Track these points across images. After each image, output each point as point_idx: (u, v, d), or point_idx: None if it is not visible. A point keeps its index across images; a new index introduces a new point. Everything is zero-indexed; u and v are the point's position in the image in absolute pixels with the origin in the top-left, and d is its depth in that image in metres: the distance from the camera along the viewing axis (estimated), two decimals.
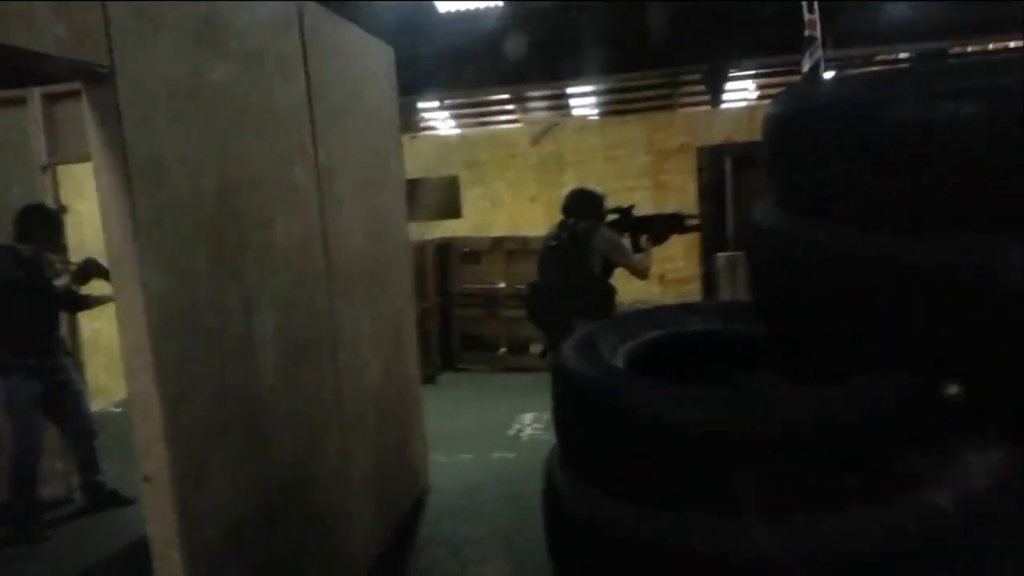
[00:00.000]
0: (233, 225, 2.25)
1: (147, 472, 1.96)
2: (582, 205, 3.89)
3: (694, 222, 4.30)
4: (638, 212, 4.02)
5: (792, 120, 1.24)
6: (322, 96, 2.92)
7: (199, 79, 2.12)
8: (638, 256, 3.83)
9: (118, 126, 1.84)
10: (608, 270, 3.78)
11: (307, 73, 2.84)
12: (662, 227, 3.98)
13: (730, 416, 1.10)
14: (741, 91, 14.58)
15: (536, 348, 6.60)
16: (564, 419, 1.42)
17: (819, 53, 5.74)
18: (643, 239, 3.89)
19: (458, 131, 14.32)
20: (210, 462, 2.10)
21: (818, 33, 5.70)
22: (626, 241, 3.85)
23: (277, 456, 2.45)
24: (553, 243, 3.82)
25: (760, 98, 16.08)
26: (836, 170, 1.15)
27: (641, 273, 3.84)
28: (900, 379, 1.14)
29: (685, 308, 1.94)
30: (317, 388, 2.78)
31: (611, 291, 3.77)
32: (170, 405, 1.93)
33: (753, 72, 13.39)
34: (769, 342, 1.45)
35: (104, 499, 4.01)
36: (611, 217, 3.90)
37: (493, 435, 4.87)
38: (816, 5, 5.66)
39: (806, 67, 5.78)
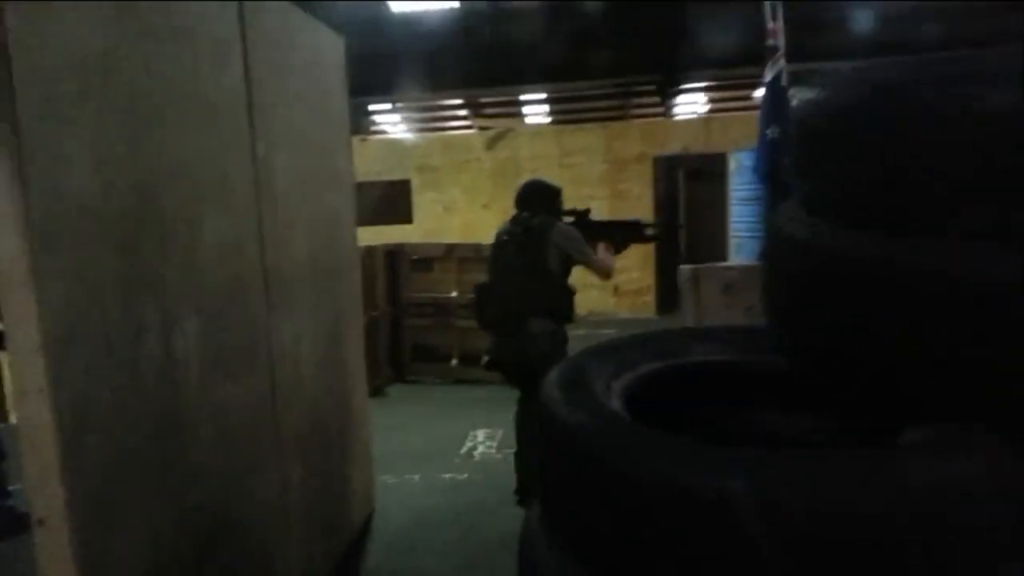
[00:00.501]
0: (153, 226, 1.96)
1: (40, 514, 1.66)
2: (538, 198, 3.58)
3: (653, 232, 4.10)
4: (594, 218, 3.78)
5: (858, 106, 1.03)
6: (262, 84, 2.64)
7: (116, 57, 1.83)
8: (599, 257, 3.56)
9: (11, 107, 1.54)
10: (567, 270, 3.50)
11: (245, 57, 2.55)
12: (622, 235, 3.76)
13: (793, 490, 0.86)
14: (691, 104, 14.63)
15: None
16: (552, 480, 1.13)
17: (782, 63, 5.63)
18: (600, 246, 3.62)
19: (409, 135, 14.02)
20: (120, 499, 1.80)
21: (781, 43, 5.59)
22: None
23: (203, 488, 2.16)
24: (505, 238, 3.52)
25: (712, 111, 16.20)
26: (930, 168, 0.93)
27: (604, 272, 3.60)
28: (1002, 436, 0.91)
29: (687, 333, 1.70)
30: (251, 409, 2.49)
31: (571, 291, 3.49)
32: (68, 433, 1.63)
33: (704, 85, 13.44)
34: (801, 377, 1.23)
35: (15, 525, 3.62)
36: (567, 220, 3.62)
37: (444, 453, 4.60)
38: (780, 14, 5.56)
39: (768, 78, 5.67)
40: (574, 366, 1.33)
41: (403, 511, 3.73)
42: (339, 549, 3.25)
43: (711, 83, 12.89)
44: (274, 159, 2.74)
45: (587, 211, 3.71)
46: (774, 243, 1.33)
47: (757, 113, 14.71)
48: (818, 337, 1.11)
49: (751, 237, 5.70)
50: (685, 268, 4.42)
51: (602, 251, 3.61)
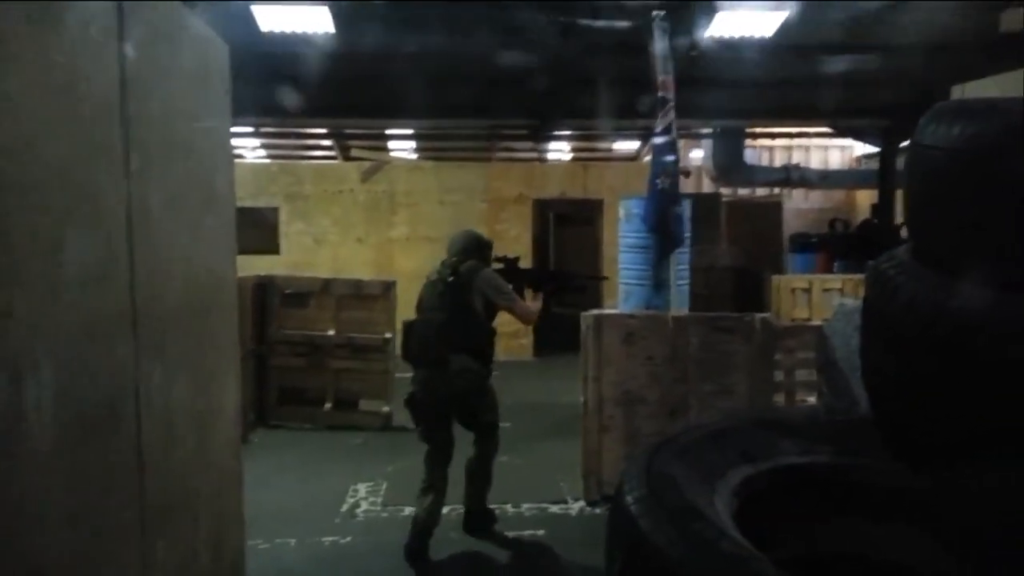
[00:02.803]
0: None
1: None
2: (468, 246, 3.83)
3: (579, 282, 4.50)
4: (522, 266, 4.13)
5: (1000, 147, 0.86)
6: (139, 88, 2.22)
7: None
8: (522, 302, 3.81)
9: None
10: (490, 314, 3.74)
11: (121, 57, 2.13)
12: (549, 282, 4.04)
13: None
14: (558, 151, 14.93)
15: (369, 403, 5.95)
16: None
17: (672, 115, 5.71)
18: (528, 292, 3.90)
19: (267, 160, 13.34)
20: None
21: (672, 96, 5.68)
22: None
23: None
24: (434, 278, 3.77)
25: (575, 159, 16.60)
26: None
27: (525, 318, 3.84)
28: None
29: (760, 423, 1.45)
30: (111, 475, 2.02)
31: (492, 331, 3.74)
32: None
33: (573, 132, 13.74)
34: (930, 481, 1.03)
35: None
36: (496, 266, 3.88)
37: (322, 512, 4.14)
38: (671, 67, 5.65)
39: (659, 129, 5.73)
40: (660, 473, 1.05)
41: None
42: None
43: (583, 131, 13.18)
44: (150, 175, 2.31)
45: (516, 259, 4.09)
46: (903, 313, 1.07)
47: (632, 163, 15.31)
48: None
49: (639, 285, 5.68)
50: (587, 315, 4.27)
51: (530, 298, 3.90)
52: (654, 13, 5.50)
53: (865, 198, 16.24)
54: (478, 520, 3.90)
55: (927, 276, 1.03)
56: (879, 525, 1.21)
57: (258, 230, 8.77)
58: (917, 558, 1.16)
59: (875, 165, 13.56)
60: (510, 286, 3.75)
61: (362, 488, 4.52)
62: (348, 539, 3.80)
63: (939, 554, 1.15)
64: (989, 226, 0.98)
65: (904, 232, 10.82)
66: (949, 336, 0.94)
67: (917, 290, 1.01)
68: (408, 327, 3.77)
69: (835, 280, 9.60)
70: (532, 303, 3.84)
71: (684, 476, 1.05)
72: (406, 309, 7.47)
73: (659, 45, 5.55)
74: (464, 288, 3.62)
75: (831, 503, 1.22)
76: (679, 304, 5.60)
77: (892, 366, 1.10)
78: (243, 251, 8.95)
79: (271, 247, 8.99)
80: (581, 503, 4.32)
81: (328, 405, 5.93)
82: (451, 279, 3.65)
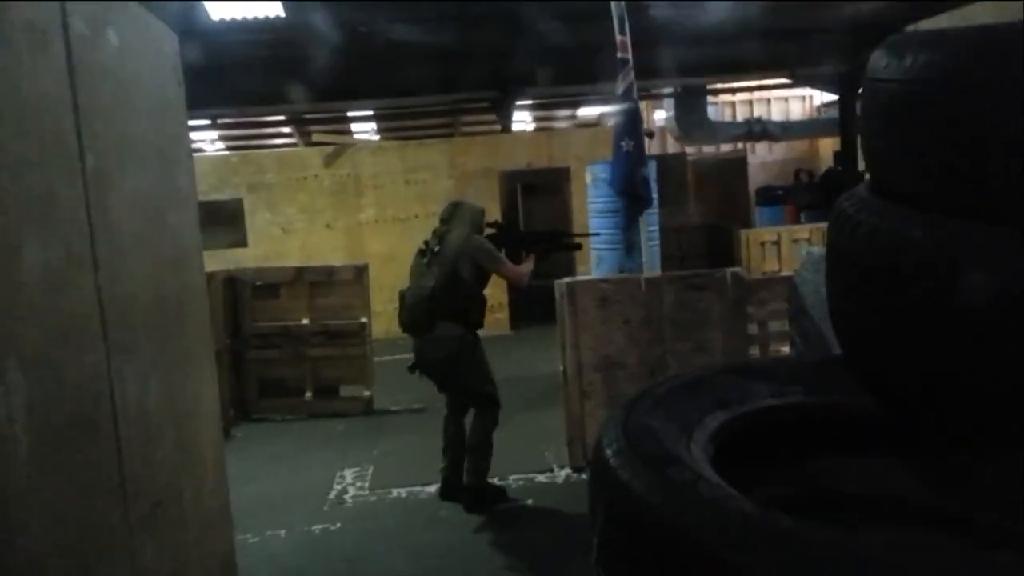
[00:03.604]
0: None
1: None
2: (457, 215, 3.89)
3: (573, 240, 4.46)
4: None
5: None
6: (90, 81, 2.16)
7: None
8: (511, 264, 3.88)
9: None
10: (482, 280, 3.83)
11: (68, 48, 2.07)
12: (542, 243, 4.07)
13: None
14: (521, 122, 14.85)
15: (349, 389, 5.93)
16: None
17: (631, 77, 5.69)
18: (523, 255, 3.96)
19: (226, 152, 13.12)
20: None
21: (630, 56, 5.65)
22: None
23: None
24: (423, 248, 3.87)
25: (538, 129, 16.53)
26: None
27: (516, 280, 3.93)
28: None
29: (733, 371, 1.46)
30: (91, 482, 2.00)
31: (480, 298, 3.81)
32: None
33: (535, 102, 13.65)
34: (899, 415, 1.04)
35: None
36: (489, 231, 3.94)
37: (310, 501, 4.14)
38: (627, 27, 5.61)
39: (620, 91, 5.70)
40: (641, 423, 1.06)
41: (271, 574, 3.26)
42: None
43: (545, 99, 13.10)
44: (107, 172, 2.26)
45: (507, 224, 4.51)
46: (862, 244, 1.08)
47: (596, 129, 15.27)
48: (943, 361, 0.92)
49: (611, 249, 5.69)
50: (561, 283, 4.28)
51: (527, 261, 3.95)
52: None
53: (828, 147, 16.39)
54: (476, 497, 3.86)
55: (887, 210, 1.04)
56: (858, 460, 1.23)
57: (223, 224, 8.64)
58: (896, 490, 1.19)
59: (835, 113, 13.67)
60: (501, 251, 3.85)
61: (349, 474, 4.52)
62: (338, 526, 3.80)
63: (921, 485, 1.18)
64: (948, 155, 0.99)
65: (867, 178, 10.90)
66: (911, 266, 0.96)
67: (878, 224, 1.02)
68: (401, 296, 3.89)
69: (803, 230, 9.71)
70: (523, 264, 3.89)
71: (661, 426, 1.06)
72: (380, 292, 7.46)
73: (615, 5, 5.51)
74: (451, 257, 3.70)
75: (808, 442, 1.24)
76: (651, 266, 5.63)
77: (856, 302, 1.12)
78: (209, 246, 8.86)
79: (238, 240, 8.87)
80: (567, 470, 4.36)
81: (308, 394, 5.90)
82: (438, 248, 3.74)
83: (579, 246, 4.68)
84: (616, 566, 0.94)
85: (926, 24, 3.51)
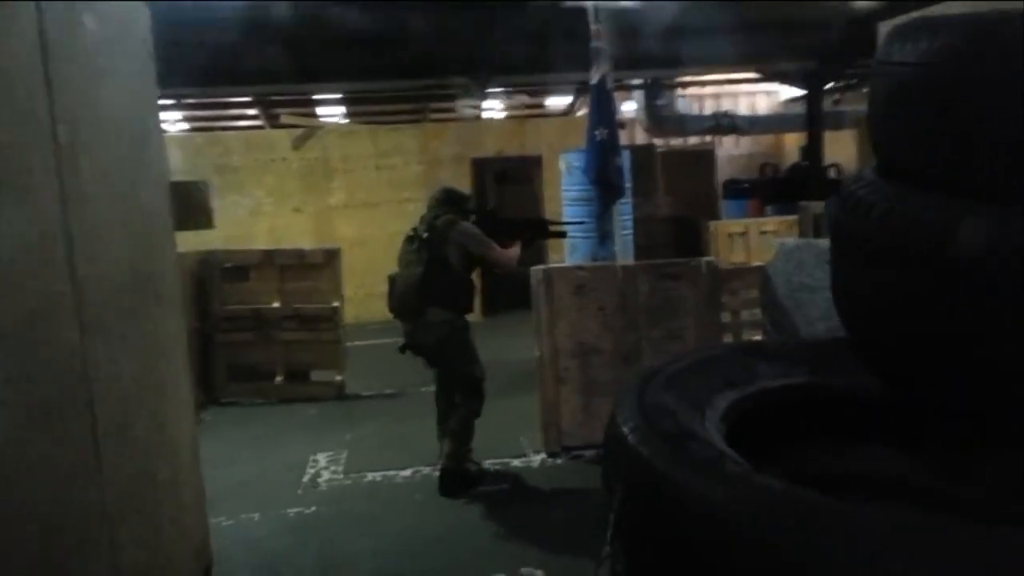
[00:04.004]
0: None
1: None
2: (444, 201, 3.95)
3: (559, 228, 4.52)
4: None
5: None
6: (62, 52, 2.10)
7: None
8: (498, 248, 3.87)
9: None
10: (469, 266, 3.88)
11: (40, 18, 2.00)
12: (530, 231, 4.14)
13: None
14: (491, 109, 14.78)
15: (320, 374, 5.88)
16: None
17: (606, 66, 5.70)
18: (508, 242, 3.97)
19: (190, 133, 12.85)
20: None
21: (605, 45, 5.66)
22: None
23: (10, 571, 1.62)
24: (411, 234, 3.91)
25: (511, 117, 16.46)
26: None
27: (504, 264, 3.94)
28: None
29: (740, 351, 1.46)
30: (67, 461, 1.95)
31: (468, 283, 3.87)
32: None
33: (505, 89, 13.58)
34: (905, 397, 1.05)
35: None
36: (473, 218, 3.96)
37: (284, 484, 4.10)
38: (603, 16, 5.62)
39: (594, 80, 5.71)
40: (655, 402, 1.05)
41: (248, 558, 3.24)
42: None
43: (518, 87, 13.03)
44: (80, 147, 2.20)
45: (494, 209, 4.50)
46: (874, 226, 1.08)
47: (568, 118, 15.23)
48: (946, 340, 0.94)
49: (585, 237, 5.70)
50: (538, 269, 4.28)
51: (514, 247, 3.96)
52: None
53: (793, 141, 16.61)
54: (451, 481, 3.85)
55: (897, 192, 1.06)
56: (867, 443, 1.25)
57: (188, 205, 8.46)
58: (901, 472, 1.21)
59: (802, 109, 13.85)
60: (488, 239, 3.86)
61: (322, 458, 4.49)
62: (313, 509, 3.77)
63: (923, 467, 1.20)
64: (958, 136, 1.01)
65: (832, 173, 11.12)
66: (926, 247, 0.98)
67: (891, 206, 1.03)
68: (391, 281, 3.93)
69: (770, 223, 9.83)
70: (510, 249, 3.91)
71: (675, 404, 1.06)
72: (350, 276, 7.39)
73: None
74: (439, 242, 3.76)
75: (817, 422, 1.26)
76: (624, 254, 5.66)
77: (868, 283, 1.13)
78: (174, 228, 8.60)
79: (204, 222, 8.70)
80: (542, 455, 4.38)
81: (279, 378, 5.83)
82: (426, 235, 3.79)
83: (565, 234, 4.73)
84: (636, 541, 0.94)
85: (899, 22, 3.56)
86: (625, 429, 1.03)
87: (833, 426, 1.29)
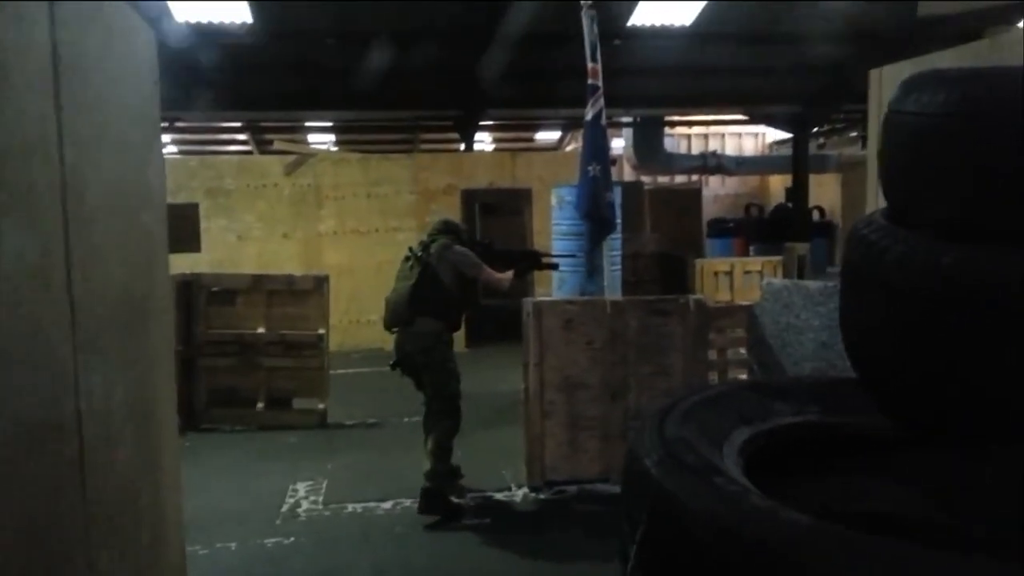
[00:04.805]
0: None
1: None
2: (442, 229, 4.21)
3: (551, 261, 4.74)
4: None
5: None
6: (73, 75, 2.12)
7: None
8: (490, 270, 4.09)
9: None
10: (461, 287, 4.08)
11: (53, 40, 2.03)
12: (523, 262, 4.35)
13: None
14: (480, 142, 14.97)
15: (303, 402, 5.84)
16: None
17: (601, 103, 5.79)
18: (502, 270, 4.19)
19: (180, 156, 12.87)
20: None
21: (600, 83, 5.75)
22: None
23: None
24: (407, 255, 4.16)
25: (501, 149, 16.65)
26: None
27: (495, 285, 4.15)
28: None
29: (753, 388, 1.48)
30: (54, 483, 1.93)
31: (458, 301, 4.06)
32: None
33: (496, 122, 13.76)
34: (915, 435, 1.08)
35: None
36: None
37: (262, 514, 4.05)
38: (599, 55, 5.72)
39: (588, 116, 5.79)
40: (676, 436, 1.07)
41: None
42: None
43: (507, 120, 13.20)
44: (85, 167, 2.21)
45: (490, 242, 4.47)
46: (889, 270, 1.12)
47: (558, 152, 15.34)
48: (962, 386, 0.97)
49: (573, 271, 5.74)
50: (528, 302, 4.31)
51: (506, 273, 4.19)
52: (583, 2, 5.55)
53: (778, 183, 16.86)
54: (430, 500, 3.89)
55: (912, 236, 1.10)
56: (884, 482, 1.27)
57: (177, 227, 8.44)
58: (916, 512, 1.22)
59: (787, 151, 14.11)
60: (480, 261, 4.10)
61: (302, 487, 4.44)
62: (291, 539, 3.72)
63: (937, 507, 1.22)
64: (972, 184, 1.05)
65: (816, 215, 11.26)
66: (940, 290, 1.01)
67: (904, 250, 1.07)
68: (387, 301, 4.13)
69: (755, 263, 9.95)
70: (502, 274, 4.12)
71: (694, 438, 1.08)
72: (336, 304, 7.37)
73: (588, 33, 5.61)
74: (432, 261, 4.00)
75: (832, 460, 1.28)
76: (613, 290, 5.69)
77: (882, 325, 1.16)
78: None
79: (191, 245, 8.67)
80: (524, 489, 4.36)
81: (261, 405, 5.78)
82: (420, 253, 4.06)
83: (556, 266, 4.88)
84: (658, 573, 0.95)
85: (889, 70, 3.67)
86: (647, 462, 1.05)
87: (844, 462, 1.31)
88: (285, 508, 4.14)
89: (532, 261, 4.45)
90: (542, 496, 4.28)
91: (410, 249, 4.19)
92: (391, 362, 4.04)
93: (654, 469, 1.02)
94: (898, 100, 1.24)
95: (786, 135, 13.95)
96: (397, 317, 4.00)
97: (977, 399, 1.02)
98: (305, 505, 4.19)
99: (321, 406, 5.79)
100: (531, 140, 16.94)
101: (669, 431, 1.13)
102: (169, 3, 8.03)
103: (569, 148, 15.36)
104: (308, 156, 9.46)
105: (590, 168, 5.65)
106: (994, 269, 0.99)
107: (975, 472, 1.10)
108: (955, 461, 1.15)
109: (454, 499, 4.04)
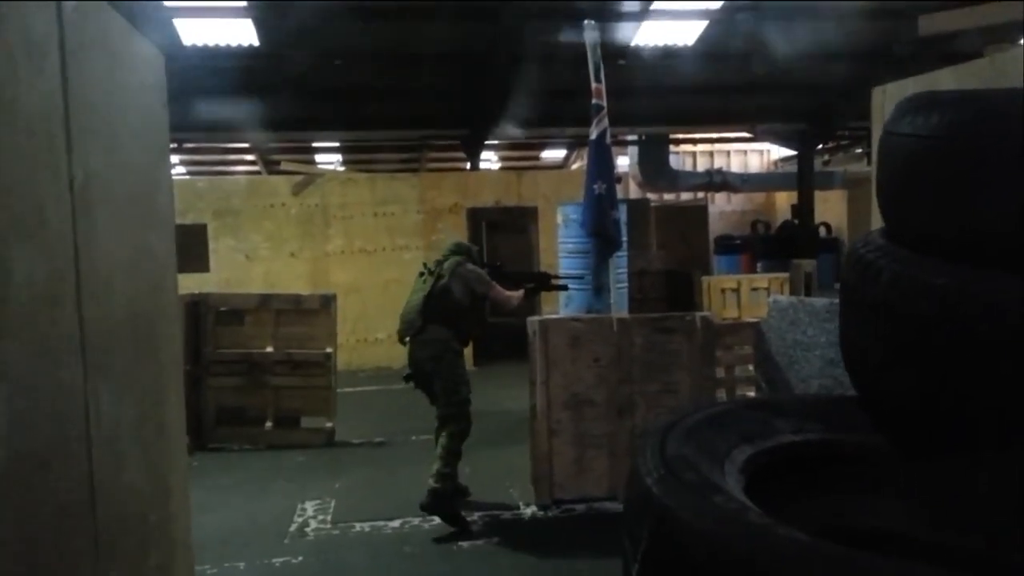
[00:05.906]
0: None
1: None
2: (454, 249, 4.40)
3: (559, 282, 4.89)
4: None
5: None
6: (83, 98, 2.16)
7: None
8: (500, 288, 4.25)
9: None
10: (472, 303, 4.21)
11: (64, 65, 2.06)
12: (533, 283, 4.55)
13: None
14: (486, 161, 15.05)
15: (310, 420, 5.85)
16: None
17: (605, 122, 5.82)
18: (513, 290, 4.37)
19: (188, 177, 12.97)
20: None
21: (604, 102, 5.79)
22: None
23: None
24: (422, 271, 4.35)
25: (507, 168, 16.74)
26: None
27: (503, 303, 4.29)
28: None
29: (753, 406, 1.49)
30: (63, 504, 1.94)
31: (468, 313, 4.20)
32: None
33: (502, 142, 13.82)
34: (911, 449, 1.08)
35: None
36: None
37: (270, 533, 4.04)
38: (603, 75, 5.76)
39: (593, 135, 5.83)
40: (677, 454, 1.08)
41: None
42: None
43: (514, 140, 13.28)
44: (94, 189, 2.24)
45: (502, 264, 4.69)
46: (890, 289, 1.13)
47: (564, 170, 15.41)
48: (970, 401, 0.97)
49: (580, 289, 5.75)
50: (533, 320, 4.32)
51: (516, 292, 4.40)
52: (586, 22, 5.61)
53: (784, 199, 16.87)
54: (435, 500, 3.95)
55: (909, 257, 1.11)
56: (883, 499, 1.27)
57: (185, 247, 8.51)
58: (913, 528, 1.22)
59: (792, 168, 14.13)
60: (490, 279, 4.26)
61: (310, 507, 4.43)
62: (300, 559, 3.72)
63: (935, 524, 1.22)
64: (971, 206, 1.06)
65: (822, 232, 11.28)
66: (936, 310, 1.02)
67: (901, 270, 1.08)
68: (401, 315, 4.28)
69: (762, 279, 9.93)
70: (509, 291, 4.31)
71: (695, 457, 1.09)
72: (344, 323, 7.39)
73: (591, 53, 5.65)
74: (446, 276, 4.18)
75: (833, 478, 1.28)
76: (619, 307, 5.69)
77: (879, 343, 1.17)
78: None
79: (200, 265, 8.74)
80: (532, 508, 4.35)
81: (268, 424, 5.79)
82: (435, 268, 4.25)
83: (565, 287, 5.00)
84: None
85: (893, 88, 3.70)
86: (648, 480, 1.06)
87: (844, 480, 1.31)
88: (293, 527, 4.14)
89: (541, 282, 4.64)
90: (550, 514, 4.26)
91: (424, 265, 4.37)
92: (404, 374, 4.19)
93: (655, 487, 1.02)
94: (893, 122, 1.26)
95: (791, 152, 13.97)
96: (409, 326, 4.15)
97: (969, 418, 1.02)
98: (313, 524, 4.19)
99: (329, 425, 5.79)
100: (537, 159, 17.02)
101: (670, 449, 1.14)
102: (177, 26, 8.12)
103: (575, 166, 15.42)
104: (316, 176, 9.54)
105: (596, 186, 5.67)
106: (986, 290, 1.00)
107: (970, 488, 1.11)
108: (951, 478, 1.15)
109: (460, 511, 4.07)
